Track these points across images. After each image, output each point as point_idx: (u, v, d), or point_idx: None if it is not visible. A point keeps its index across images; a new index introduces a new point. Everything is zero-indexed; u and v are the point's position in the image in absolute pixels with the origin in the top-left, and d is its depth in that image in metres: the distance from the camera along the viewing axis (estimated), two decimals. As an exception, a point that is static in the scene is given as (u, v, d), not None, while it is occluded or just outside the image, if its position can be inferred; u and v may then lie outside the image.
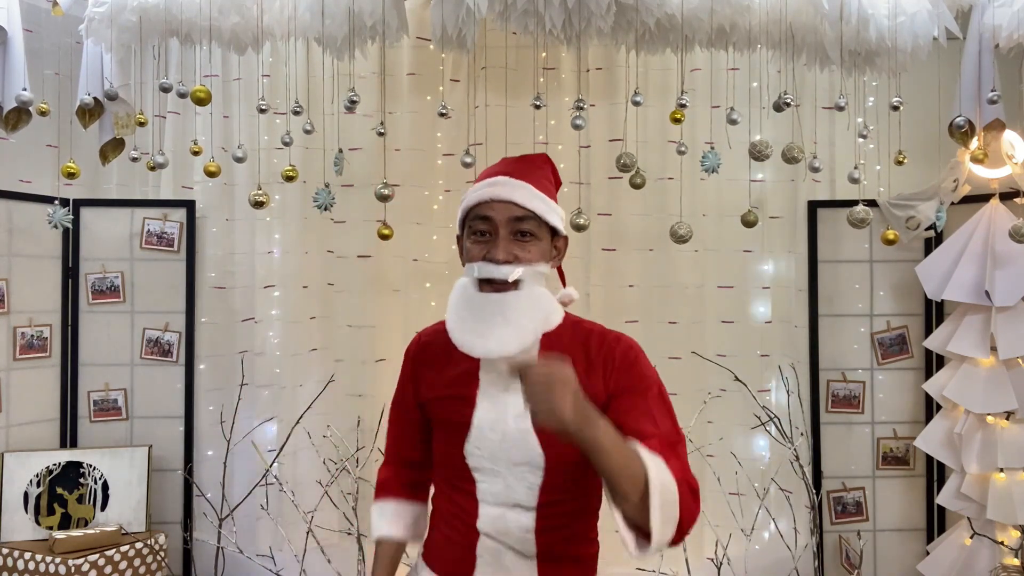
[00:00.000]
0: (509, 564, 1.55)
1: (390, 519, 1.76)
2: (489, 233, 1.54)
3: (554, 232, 1.60)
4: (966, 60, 2.99)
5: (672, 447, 1.44)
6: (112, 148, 3.20)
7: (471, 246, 1.56)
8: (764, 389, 3.60)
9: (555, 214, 1.59)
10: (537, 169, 1.64)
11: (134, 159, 3.03)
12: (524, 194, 1.54)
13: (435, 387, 1.64)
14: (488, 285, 1.52)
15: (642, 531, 1.33)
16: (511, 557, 1.55)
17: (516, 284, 1.52)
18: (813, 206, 3.59)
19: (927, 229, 3.35)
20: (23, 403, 3.37)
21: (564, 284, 1.72)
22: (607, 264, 3.67)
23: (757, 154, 2.80)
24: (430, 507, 1.73)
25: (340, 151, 3.00)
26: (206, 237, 3.62)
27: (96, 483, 3.31)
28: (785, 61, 2.89)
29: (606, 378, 1.53)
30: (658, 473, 1.32)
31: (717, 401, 3.54)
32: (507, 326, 1.49)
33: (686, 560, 3.29)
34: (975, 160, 2.96)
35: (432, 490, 1.73)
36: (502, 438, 1.54)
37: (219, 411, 3.53)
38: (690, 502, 1.37)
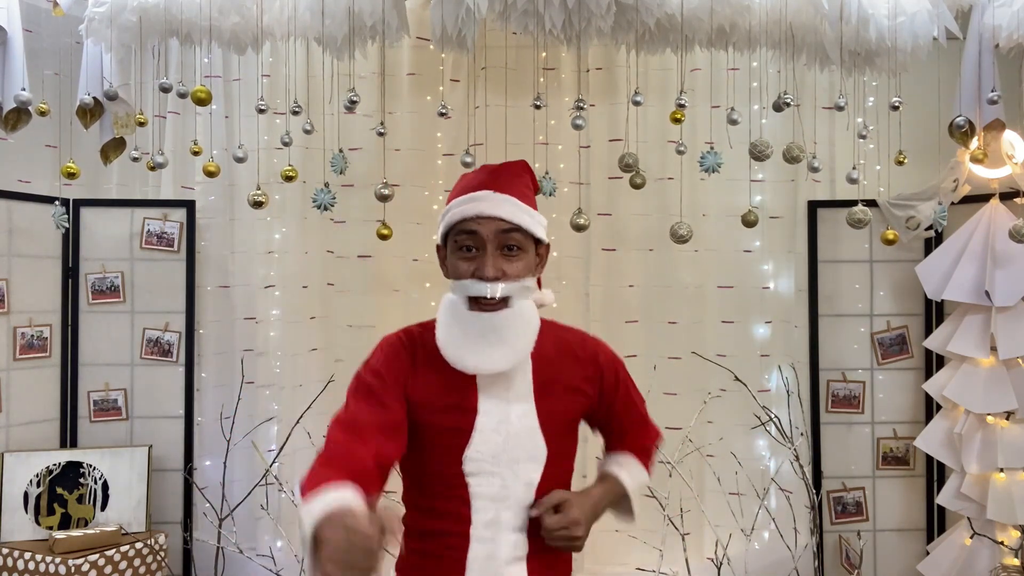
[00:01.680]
0: (501, 569, 1.55)
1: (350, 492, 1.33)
2: (476, 248, 1.54)
3: (537, 241, 1.61)
4: (966, 60, 2.98)
5: (645, 418, 1.83)
6: (113, 148, 3.20)
7: (458, 262, 1.56)
8: (764, 389, 3.60)
9: (540, 225, 1.60)
10: (518, 178, 1.64)
11: (134, 159, 3.03)
12: (510, 208, 1.54)
13: (428, 391, 1.57)
14: (477, 303, 1.53)
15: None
16: (503, 560, 1.55)
17: (506, 301, 1.53)
18: (813, 206, 3.59)
19: (927, 229, 3.35)
20: (23, 403, 3.37)
21: (540, 287, 1.72)
22: (607, 264, 3.67)
23: (757, 154, 2.80)
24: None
25: (340, 151, 3.00)
26: (206, 237, 3.62)
27: (96, 483, 3.31)
28: (785, 61, 2.89)
29: (599, 385, 1.69)
30: (633, 481, 1.75)
31: (717, 401, 3.54)
32: (501, 345, 1.52)
33: (686, 560, 3.30)
34: (975, 160, 2.95)
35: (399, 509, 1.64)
36: (506, 438, 1.56)
37: (219, 411, 3.53)
38: (653, 452, 1.86)
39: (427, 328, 1.62)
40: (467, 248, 1.55)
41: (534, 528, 1.57)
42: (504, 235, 1.54)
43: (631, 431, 1.79)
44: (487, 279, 1.51)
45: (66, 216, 3.05)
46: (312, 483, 1.31)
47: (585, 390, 1.66)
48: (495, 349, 1.51)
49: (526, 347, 1.55)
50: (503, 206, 1.54)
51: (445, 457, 1.56)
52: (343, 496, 1.27)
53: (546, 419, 1.60)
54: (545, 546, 1.59)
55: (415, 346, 1.61)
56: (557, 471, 1.62)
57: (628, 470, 1.76)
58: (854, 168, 2.84)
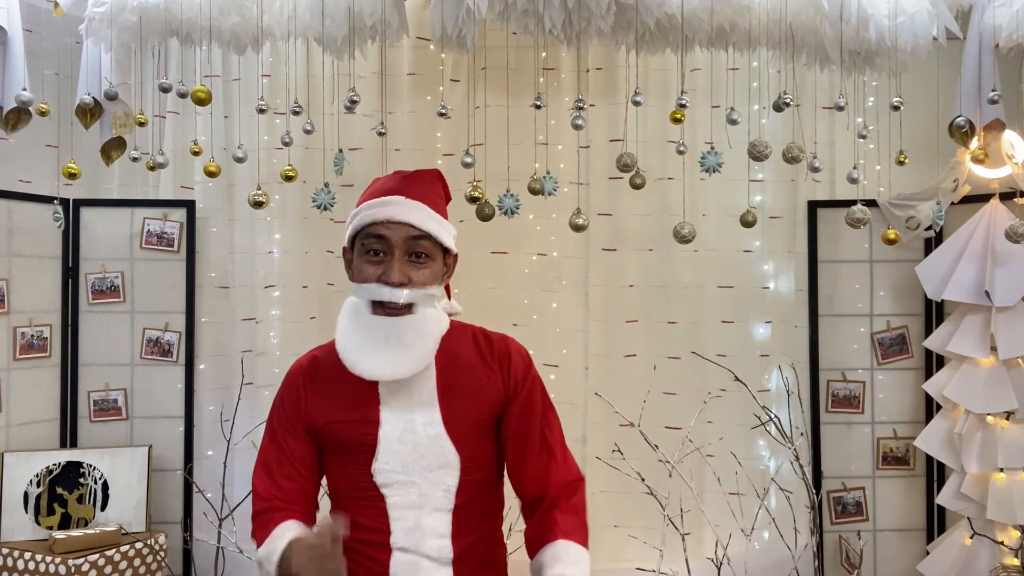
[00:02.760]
0: (424, 575, 1.54)
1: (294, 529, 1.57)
2: (383, 253, 1.54)
3: (445, 251, 1.62)
4: (966, 60, 2.98)
5: (564, 452, 1.65)
6: (116, 147, 3.20)
7: (364, 265, 1.56)
8: (764, 389, 3.60)
9: (448, 235, 1.61)
10: (430, 186, 1.65)
11: (134, 159, 3.03)
12: (420, 215, 1.55)
13: (330, 412, 1.60)
14: (381, 308, 1.53)
15: None
16: (427, 567, 1.54)
17: (410, 307, 1.53)
18: (813, 206, 3.59)
19: (927, 229, 3.35)
20: (23, 403, 3.37)
21: (449, 297, 1.73)
22: (607, 264, 3.67)
23: (757, 154, 2.80)
24: None
25: (340, 151, 3.00)
26: (206, 237, 3.63)
27: (96, 483, 3.31)
28: (785, 61, 2.89)
29: (505, 382, 1.63)
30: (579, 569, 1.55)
31: (717, 401, 3.54)
32: (402, 349, 1.51)
33: (686, 560, 3.30)
34: (975, 160, 2.95)
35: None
36: (413, 448, 1.55)
37: (219, 411, 3.54)
38: (584, 516, 1.63)
39: (331, 347, 1.62)
40: (374, 252, 1.55)
41: (458, 530, 1.56)
42: (413, 241, 1.54)
43: (531, 454, 1.61)
44: (393, 284, 1.51)
45: (60, 216, 3.05)
46: (259, 534, 1.57)
47: (494, 387, 1.62)
48: (396, 354, 1.51)
49: (427, 354, 1.54)
50: (413, 213, 1.55)
51: (355, 471, 1.57)
52: (288, 529, 1.53)
53: (453, 425, 1.58)
54: (473, 549, 1.59)
55: (315, 369, 1.65)
56: (476, 476, 1.60)
57: (563, 560, 1.53)
58: (854, 168, 2.84)
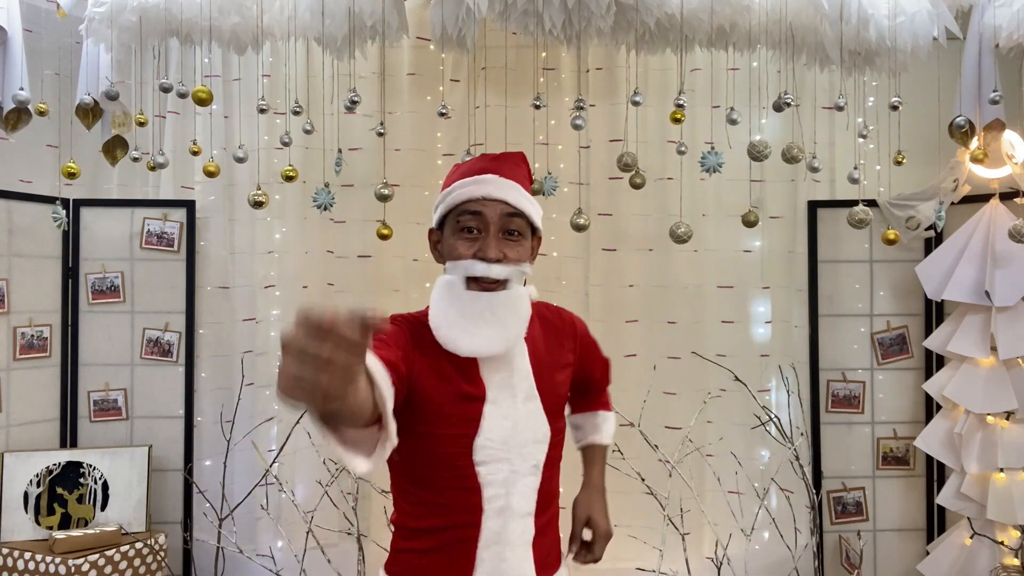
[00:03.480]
0: (509, 554, 1.55)
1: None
2: (478, 230, 1.54)
3: (535, 230, 1.64)
4: (966, 60, 2.99)
5: (608, 371, 1.91)
6: (119, 147, 3.20)
7: (458, 243, 1.55)
8: (764, 389, 3.60)
9: (538, 214, 1.62)
10: (518, 167, 1.65)
11: (134, 159, 3.03)
12: (515, 193, 1.57)
13: (432, 380, 1.50)
14: (476, 284, 1.53)
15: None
16: (511, 547, 1.55)
17: (504, 284, 1.53)
18: (813, 206, 3.59)
19: (927, 229, 3.35)
20: (23, 403, 3.37)
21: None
22: (607, 264, 3.67)
23: (756, 154, 2.80)
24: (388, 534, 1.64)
25: (340, 151, 3.00)
26: (206, 237, 3.62)
27: (96, 483, 3.31)
28: (785, 61, 2.89)
29: (575, 350, 1.74)
30: (610, 434, 1.93)
31: (717, 401, 3.54)
32: (496, 324, 1.51)
33: (686, 560, 3.30)
34: (975, 160, 2.96)
35: (391, 510, 1.64)
36: (514, 423, 1.56)
37: (219, 411, 3.54)
38: (608, 384, 1.95)
39: (421, 315, 1.57)
40: (469, 229, 1.55)
41: (540, 508, 1.60)
42: (507, 219, 1.55)
43: (596, 374, 1.86)
44: (490, 260, 1.51)
45: (60, 216, 3.05)
46: None
47: (570, 362, 1.71)
48: (492, 329, 1.50)
49: (520, 330, 1.55)
50: (509, 190, 1.56)
51: (453, 448, 1.52)
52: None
53: (546, 399, 1.61)
54: (544, 529, 1.62)
55: (418, 328, 1.54)
56: (557, 451, 1.65)
57: (602, 429, 1.91)
58: (855, 168, 2.84)
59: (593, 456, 1.90)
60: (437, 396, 1.51)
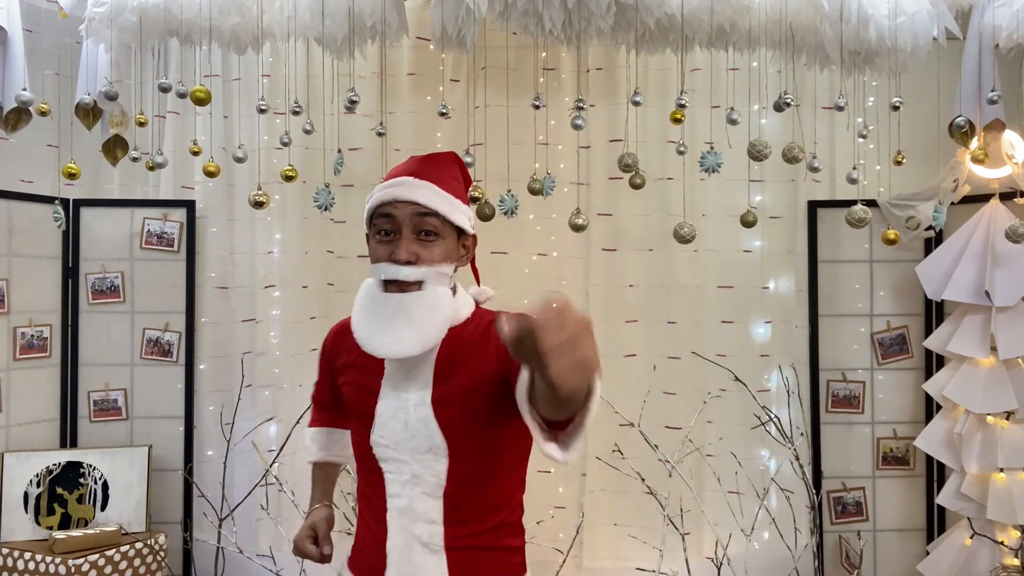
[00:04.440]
0: (418, 560, 1.54)
1: (323, 443, 1.88)
2: (393, 232, 1.56)
3: (463, 231, 1.62)
4: (966, 60, 2.99)
5: None
6: (120, 146, 3.20)
7: (376, 246, 1.58)
8: (764, 389, 3.60)
9: (460, 213, 1.60)
10: (443, 168, 1.65)
11: (134, 159, 3.03)
12: (426, 193, 1.56)
13: (346, 374, 1.68)
14: (392, 285, 1.54)
15: (553, 427, 1.36)
16: (419, 551, 1.54)
17: (419, 285, 1.53)
18: (813, 206, 3.59)
19: (927, 229, 3.35)
20: (23, 403, 3.37)
21: (478, 282, 1.74)
22: (607, 264, 3.67)
23: (756, 154, 2.81)
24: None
25: (340, 151, 3.00)
26: (206, 237, 3.62)
27: (96, 483, 3.31)
28: (785, 61, 2.89)
29: (497, 352, 1.53)
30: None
31: (717, 401, 3.54)
32: (410, 326, 1.52)
33: (686, 560, 3.30)
34: (975, 160, 2.96)
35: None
36: (404, 427, 1.56)
37: (219, 411, 3.54)
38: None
39: (345, 322, 1.71)
40: (385, 232, 1.57)
41: (451, 519, 1.54)
42: (419, 219, 1.55)
43: None
44: (400, 262, 1.53)
45: (60, 216, 3.05)
46: (312, 418, 1.92)
47: (488, 367, 1.53)
48: (403, 330, 1.51)
49: (434, 332, 1.53)
50: (419, 191, 1.56)
51: (360, 438, 1.62)
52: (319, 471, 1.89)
53: (442, 409, 1.54)
54: (469, 541, 1.55)
55: (338, 336, 1.73)
56: (468, 466, 1.54)
57: None
58: (854, 168, 2.84)
59: None
60: (346, 383, 1.67)
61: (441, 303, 1.55)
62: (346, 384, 1.68)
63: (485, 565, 1.58)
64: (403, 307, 1.52)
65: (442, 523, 1.54)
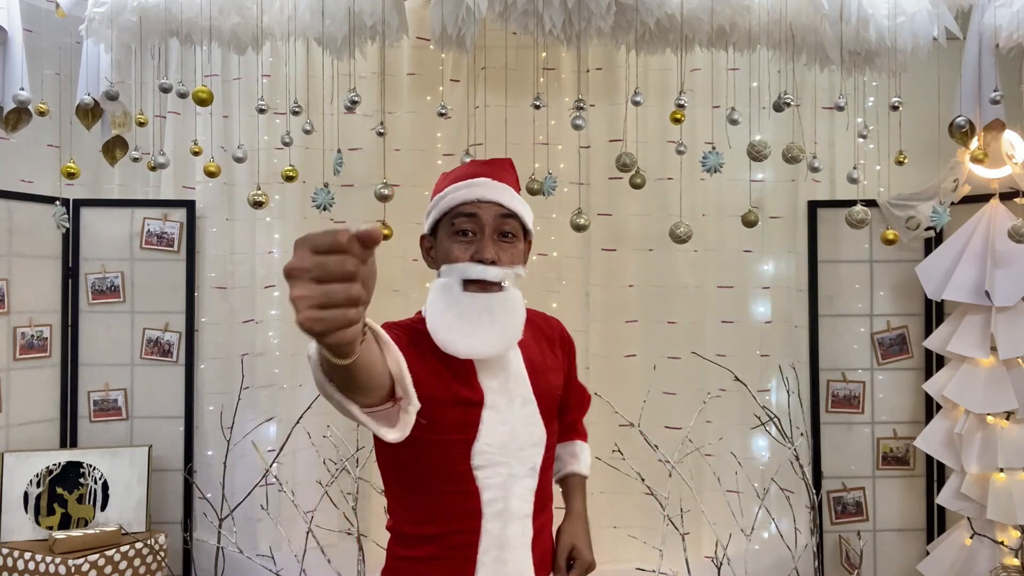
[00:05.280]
0: (511, 556, 1.55)
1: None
2: (474, 232, 1.55)
3: (528, 233, 1.64)
4: (966, 60, 2.99)
5: (585, 403, 1.93)
6: (119, 147, 3.20)
7: (453, 246, 1.55)
8: (764, 389, 3.60)
9: (530, 217, 1.63)
10: (509, 172, 1.67)
11: (135, 159, 3.03)
12: (508, 195, 1.58)
13: (430, 386, 1.46)
14: (473, 285, 1.52)
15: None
16: (513, 548, 1.55)
17: (500, 285, 1.53)
18: (813, 206, 3.59)
19: (927, 229, 3.35)
20: (23, 403, 3.37)
21: None
22: (607, 264, 3.68)
23: (756, 154, 2.81)
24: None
25: (340, 151, 3.00)
26: (206, 237, 3.63)
27: (96, 483, 3.31)
28: (785, 61, 2.89)
29: (565, 356, 1.78)
30: (587, 464, 1.89)
31: (717, 401, 3.54)
32: (493, 326, 1.50)
33: (686, 560, 3.30)
34: (975, 160, 2.96)
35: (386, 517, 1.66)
36: (512, 427, 1.55)
37: (219, 411, 3.54)
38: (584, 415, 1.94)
39: (415, 321, 1.57)
40: (464, 232, 1.55)
41: (537, 510, 1.60)
42: (502, 220, 1.55)
43: (573, 404, 1.88)
44: (486, 261, 1.51)
45: (66, 216, 3.05)
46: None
47: (561, 366, 1.74)
48: (490, 331, 1.49)
49: (517, 332, 1.54)
50: (502, 192, 1.57)
51: (451, 453, 1.50)
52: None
53: (542, 402, 1.62)
54: (541, 530, 1.63)
55: (414, 334, 1.53)
56: (551, 450, 1.66)
57: (580, 458, 1.88)
58: (854, 168, 2.84)
59: (574, 485, 1.86)
60: (435, 401, 1.47)
61: (519, 303, 1.56)
62: (432, 399, 1.45)
63: (548, 553, 1.69)
64: (488, 307, 1.50)
65: (531, 517, 1.59)
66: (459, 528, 1.52)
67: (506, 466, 1.54)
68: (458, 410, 1.51)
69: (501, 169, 1.65)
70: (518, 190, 1.67)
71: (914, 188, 3.42)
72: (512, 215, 1.56)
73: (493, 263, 1.51)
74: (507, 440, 1.54)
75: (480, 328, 1.49)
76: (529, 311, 1.68)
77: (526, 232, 1.63)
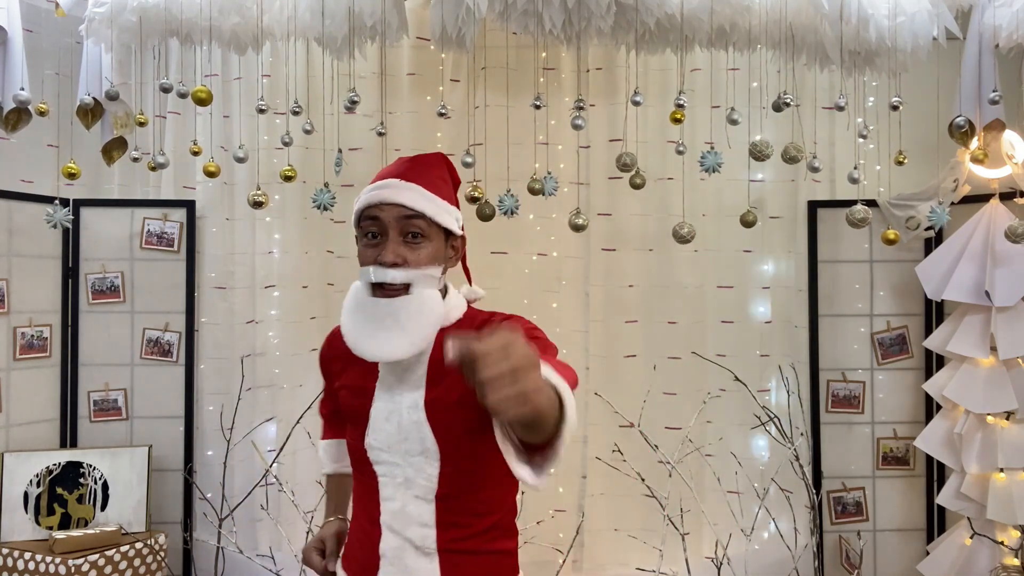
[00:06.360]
0: (411, 563, 1.54)
1: (334, 455, 1.87)
2: (379, 235, 1.55)
3: (451, 232, 1.61)
4: (966, 60, 2.98)
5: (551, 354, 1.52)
6: (117, 147, 3.20)
7: (363, 249, 1.57)
8: (764, 389, 3.60)
9: (446, 214, 1.59)
10: (431, 169, 1.64)
11: (135, 159, 3.03)
12: (412, 195, 1.55)
13: (342, 377, 1.68)
14: (380, 289, 1.53)
15: (530, 450, 1.30)
16: (412, 554, 1.54)
17: (406, 288, 1.52)
18: (813, 206, 3.59)
19: (927, 229, 3.35)
20: (23, 403, 3.37)
21: (470, 282, 1.73)
22: (607, 264, 3.68)
23: (757, 154, 2.81)
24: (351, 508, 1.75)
25: (340, 151, 3.00)
26: (206, 237, 3.63)
27: (96, 483, 3.31)
28: (785, 61, 2.89)
29: None
30: (568, 396, 1.26)
31: (717, 401, 3.54)
32: (398, 330, 1.50)
33: (686, 560, 3.30)
34: (975, 160, 2.96)
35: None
36: (398, 429, 1.56)
37: (219, 411, 3.54)
38: (570, 376, 1.39)
39: (337, 329, 1.71)
40: (371, 235, 1.56)
41: (443, 522, 1.54)
42: (405, 221, 1.54)
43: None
44: (386, 264, 1.52)
45: (70, 216, 3.05)
46: (322, 431, 1.93)
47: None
48: (391, 335, 1.50)
49: (423, 335, 1.52)
50: (405, 193, 1.55)
51: (355, 441, 1.62)
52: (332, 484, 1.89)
53: (435, 412, 1.54)
54: (462, 545, 1.55)
55: (332, 341, 1.74)
56: (460, 469, 1.54)
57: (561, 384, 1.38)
58: (855, 168, 2.84)
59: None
60: (343, 387, 1.67)
61: (429, 306, 1.54)
62: (342, 388, 1.68)
63: (478, 568, 1.57)
64: (391, 312, 1.51)
65: (435, 526, 1.54)
66: (367, 515, 1.60)
67: (400, 468, 1.56)
68: (356, 398, 1.62)
69: (419, 168, 1.62)
70: (446, 185, 1.64)
71: (914, 188, 3.42)
72: (416, 215, 1.54)
73: (395, 265, 1.51)
74: (393, 442, 1.56)
75: (383, 332, 1.51)
76: (488, 314, 1.63)
77: (450, 231, 1.60)
